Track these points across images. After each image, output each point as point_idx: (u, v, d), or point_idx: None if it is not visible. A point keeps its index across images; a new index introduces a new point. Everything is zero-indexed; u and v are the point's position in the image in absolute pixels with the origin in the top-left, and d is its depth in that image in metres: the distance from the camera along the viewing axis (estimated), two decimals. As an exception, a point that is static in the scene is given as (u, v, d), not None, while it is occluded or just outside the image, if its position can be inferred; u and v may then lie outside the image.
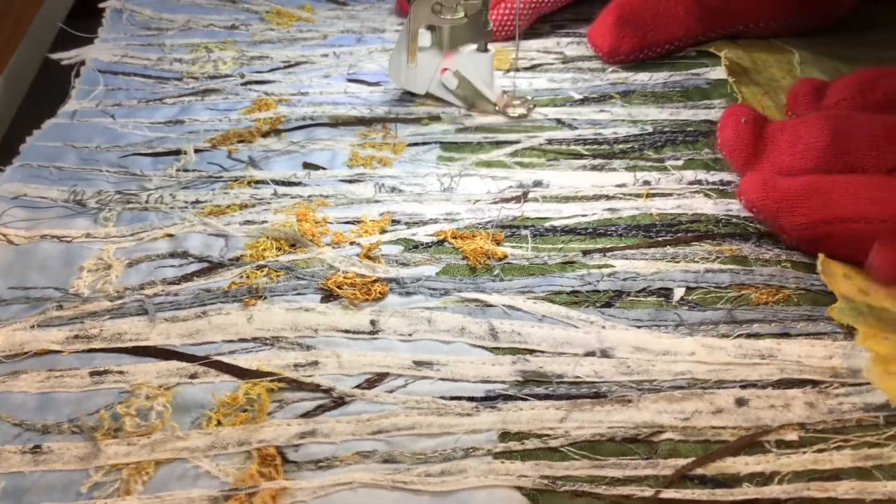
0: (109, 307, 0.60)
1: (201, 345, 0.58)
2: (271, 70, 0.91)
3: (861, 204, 0.63)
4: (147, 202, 0.70)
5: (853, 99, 0.75)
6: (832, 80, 0.79)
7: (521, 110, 0.83)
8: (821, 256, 0.64)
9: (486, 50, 0.82)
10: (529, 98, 0.85)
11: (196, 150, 0.77)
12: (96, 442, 0.51)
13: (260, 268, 0.64)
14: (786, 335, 0.59)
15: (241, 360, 0.57)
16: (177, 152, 0.77)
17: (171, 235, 0.67)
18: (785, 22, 0.90)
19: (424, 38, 0.81)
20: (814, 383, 0.55)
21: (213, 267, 0.64)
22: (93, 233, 0.67)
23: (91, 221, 0.69)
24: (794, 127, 0.71)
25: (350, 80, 0.89)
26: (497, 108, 0.83)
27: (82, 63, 0.91)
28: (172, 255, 0.65)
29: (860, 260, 0.63)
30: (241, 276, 0.63)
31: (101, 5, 1.01)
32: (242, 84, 0.88)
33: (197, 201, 0.71)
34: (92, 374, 0.56)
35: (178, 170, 0.74)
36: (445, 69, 0.82)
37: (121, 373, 0.56)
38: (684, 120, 0.82)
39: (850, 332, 0.59)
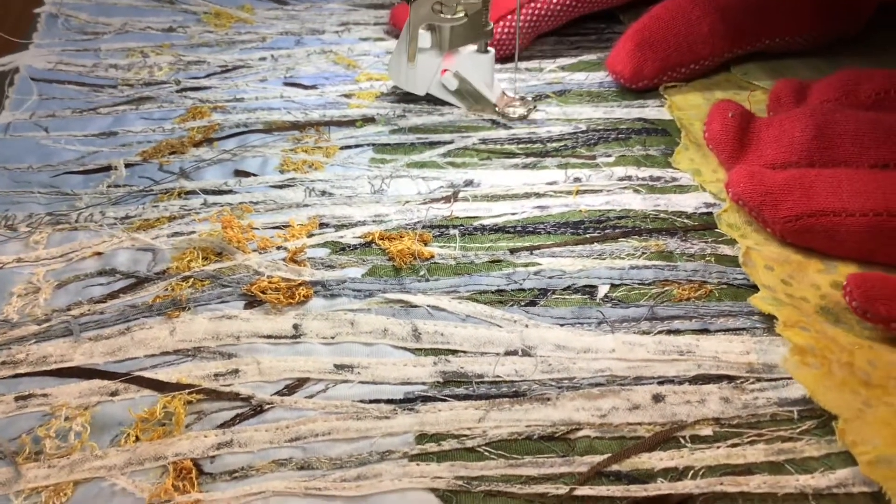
0: (36, 331, 0.60)
1: (124, 361, 0.58)
2: (208, 76, 0.91)
3: (843, 197, 0.64)
4: (77, 221, 0.70)
5: (837, 100, 0.76)
6: (814, 80, 0.80)
7: (522, 111, 0.83)
8: (742, 247, 0.64)
9: (486, 51, 0.82)
10: (530, 99, 0.85)
11: (127, 165, 0.76)
12: (17, 466, 0.51)
13: (185, 279, 0.64)
14: (705, 331, 0.59)
15: (162, 374, 0.57)
16: (108, 168, 0.76)
17: (99, 253, 0.67)
18: (808, 35, 0.90)
19: (424, 38, 0.81)
20: (730, 379, 0.56)
21: (139, 282, 0.64)
22: (24, 257, 0.67)
23: (22, 245, 0.68)
24: (780, 122, 0.72)
25: (287, 84, 0.89)
26: (497, 108, 0.83)
27: (16, 70, 0.90)
28: (101, 273, 0.65)
29: (841, 252, 0.64)
30: (167, 289, 0.63)
31: (36, 10, 1.00)
32: (178, 91, 0.87)
33: (126, 217, 0.70)
34: (17, 398, 0.55)
35: (108, 186, 0.74)
36: (445, 70, 0.82)
37: (45, 395, 0.55)
38: (618, 118, 0.82)
39: (768, 328, 0.59)
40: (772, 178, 0.66)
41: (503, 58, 0.89)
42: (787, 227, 0.64)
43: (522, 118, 0.82)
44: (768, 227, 0.65)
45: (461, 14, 0.78)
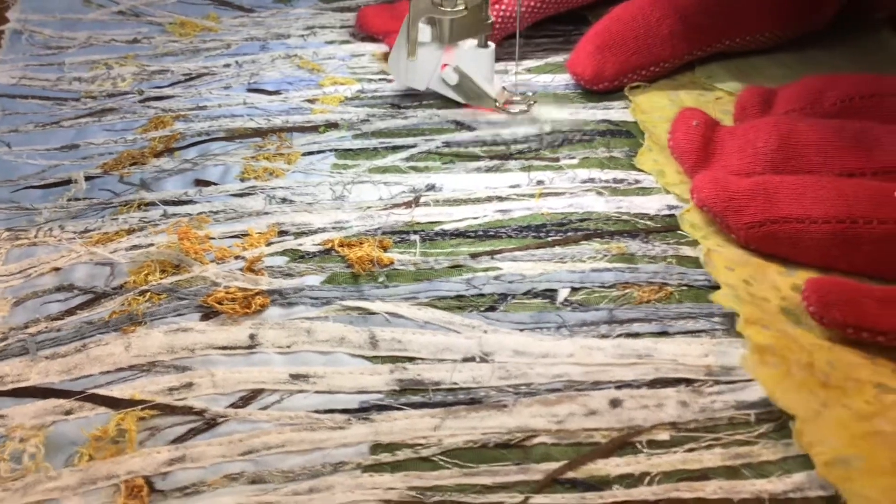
0: (-7, 350, 0.59)
1: (79, 379, 0.57)
2: (171, 84, 0.90)
3: (806, 204, 0.63)
4: (36, 236, 0.69)
5: (802, 109, 0.75)
6: (779, 87, 0.79)
7: (522, 106, 0.83)
8: (704, 248, 0.64)
9: (486, 46, 0.82)
10: (530, 94, 0.84)
11: (88, 177, 0.75)
12: (-29, 490, 0.50)
13: (143, 293, 0.63)
14: (664, 334, 0.59)
15: (116, 391, 0.56)
16: (68, 182, 0.75)
17: (58, 269, 0.66)
18: (770, 34, 0.89)
19: (424, 33, 0.81)
20: (688, 382, 0.56)
21: (97, 298, 0.63)
22: (-19, 275, 0.66)
23: (-20, 264, 0.67)
24: (744, 131, 0.72)
25: (250, 90, 0.88)
26: (497, 104, 0.82)
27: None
28: (59, 290, 0.64)
29: (805, 259, 0.64)
30: (124, 304, 0.62)
31: (0, 27, 0.99)
32: (141, 101, 0.87)
33: (86, 230, 0.69)
34: (-28, 421, 0.55)
35: (68, 199, 0.73)
36: (445, 65, 0.82)
37: (0, 417, 0.55)
38: (582, 120, 0.82)
39: (727, 329, 0.59)
40: (736, 184, 0.66)
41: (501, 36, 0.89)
42: (750, 233, 0.64)
43: (523, 113, 0.81)
44: (732, 233, 0.65)
45: (461, 7, 0.78)
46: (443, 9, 0.78)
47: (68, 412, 0.55)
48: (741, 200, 0.64)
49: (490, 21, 0.81)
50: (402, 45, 0.81)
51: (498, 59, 0.83)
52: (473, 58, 0.82)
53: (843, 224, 0.61)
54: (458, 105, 0.83)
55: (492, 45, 0.82)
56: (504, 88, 0.84)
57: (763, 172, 0.68)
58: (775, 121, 0.71)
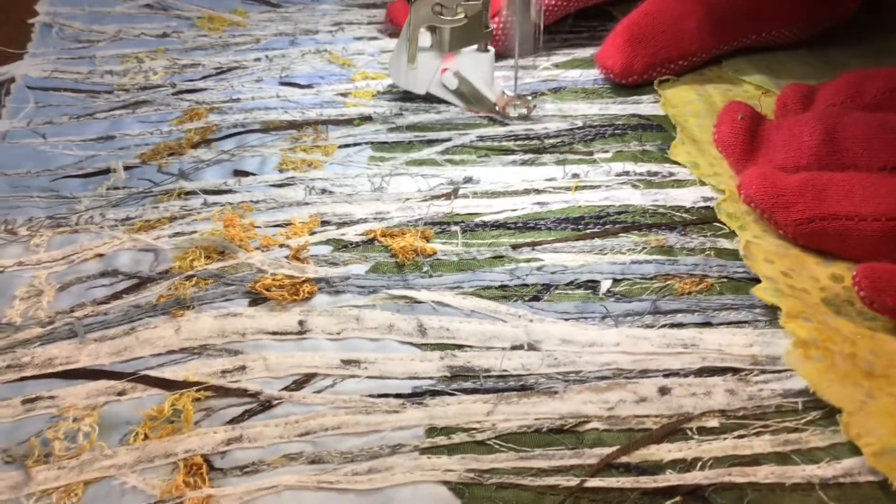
0: (41, 333, 0.60)
1: (130, 361, 0.58)
2: (203, 78, 0.91)
3: (855, 202, 0.64)
4: (77, 224, 0.70)
5: (843, 104, 0.76)
6: (819, 84, 0.80)
7: (522, 110, 0.83)
8: (742, 241, 0.65)
9: (486, 50, 0.83)
10: (530, 98, 0.85)
11: (126, 167, 0.76)
12: (27, 469, 0.51)
13: (189, 278, 0.63)
14: (708, 324, 0.60)
15: (169, 373, 0.57)
16: (107, 171, 0.76)
17: (101, 255, 0.66)
18: (795, 28, 0.91)
19: (424, 38, 0.82)
20: (734, 371, 0.56)
21: (142, 282, 0.64)
22: (25, 260, 0.66)
23: (23, 249, 0.68)
24: (789, 125, 0.72)
25: (282, 84, 0.89)
26: (497, 108, 0.83)
27: (12, 80, 0.90)
28: (103, 275, 0.65)
29: (853, 256, 0.64)
30: (170, 289, 0.63)
31: (31, 20, 1.00)
32: (174, 94, 0.87)
33: (127, 218, 0.70)
34: (24, 402, 0.55)
35: (108, 189, 0.74)
36: (445, 69, 0.82)
37: (51, 398, 0.55)
38: (613, 114, 0.83)
39: (770, 321, 0.60)
40: (784, 180, 0.66)
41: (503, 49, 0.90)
42: (798, 229, 0.64)
43: (522, 117, 0.82)
44: (780, 230, 0.66)
45: (461, 15, 0.78)
46: (443, 17, 0.79)
47: (121, 393, 0.55)
48: (789, 197, 0.65)
49: (489, 30, 0.82)
50: (402, 50, 0.82)
51: (526, 54, 0.84)
52: (473, 62, 0.83)
53: (893, 221, 0.62)
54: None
55: (491, 49, 0.83)
56: (504, 92, 0.85)
57: (808, 166, 0.69)
58: (820, 114, 0.72)
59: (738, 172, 0.71)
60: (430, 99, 0.85)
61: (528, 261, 0.65)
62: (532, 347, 0.58)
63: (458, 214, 0.70)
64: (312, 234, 0.68)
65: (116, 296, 0.63)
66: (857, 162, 0.68)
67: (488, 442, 0.52)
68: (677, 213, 0.70)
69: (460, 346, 0.58)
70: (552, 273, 0.64)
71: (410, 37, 0.80)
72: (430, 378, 0.56)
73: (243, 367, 0.57)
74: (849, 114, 0.71)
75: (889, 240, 0.62)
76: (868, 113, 0.72)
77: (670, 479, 0.50)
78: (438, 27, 0.81)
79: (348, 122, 0.82)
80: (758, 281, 0.62)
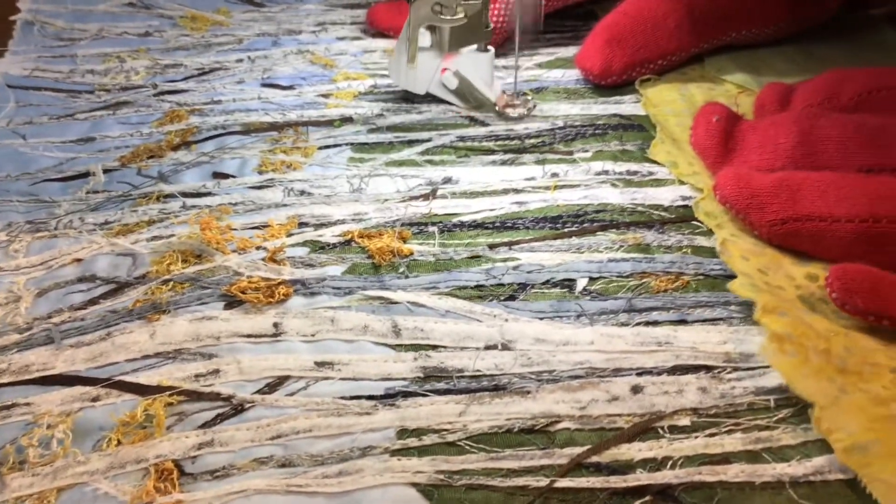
0: (18, 340, 0.60)
1: (105, 367, 0.58)
2: (185, 79, 0.91)
3: (829, 202, 0.64)
4: (56, 228, 0.70)
5: (820, 104, 0.76)
6: (797, 84, 0.80)
7: (521, 110, 0.83)
8: (719, 238, 0.65)
9: (485, 50, 0.83)
10: (530, 98, 0.85)
11: (105, 170, 0.76)
12: (2, 477, 0.51)
13: (165, 282, 0.63)
14: (682, 322, 0.60)
15: (143, 378, 0.57)
16: (86, 174, 0.76)
17: (79, 260, 0.66)
18: (775, 27, 0.91)
19: (424, 38, 0.82)
20: (707, 369, 0.56)
21: (120, 287, 0.64)
22: (3, 266, 0.66)
23: (2, 254, 0.68)
24: (765, 127, 0.72)
25: (264, 85, 0.89)
26: (497, 107, 0.83)
27: (-9, 78, 0.90)
28: (81, 280, 0.65)
29: (827, 256, 0.64)
30: (147, 293, 0.63)
31: (12, 17, 1.00)
32: (155, 95, 0.87)
33: (106, 222, 0.70)
34: (0, 409, 0.55)
35: (87, 192, 0.74)
36: (445, 69, 0.82)
37: (27, 405, 0.55)
38: (594, 114, 0.83)
39: (744, 318, 0.60)
40: (758, 180, 0.66)
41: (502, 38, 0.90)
42: (773, 230, 0.64)
43: (522, 117, 0.82)
44: (755, 230, 0.66)
45: (461, 15, 0.78)
46: (443, 17, 0.79)
47: (95, 399, 0.55)
48: (764, 198, 0.65)
49: (489, 28, 0.81)
50: (402, 50, 0.82)
51: (505, 54, 0.84)
52: (473, 62, 0.83)
53: (866, 223, 0.62)
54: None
55: (491, 49, 0.83)
56: (504, 92, 0.85)
57: (784, 167, 0.69)
58: (796, 116, 0.71)
59: (714, 174, 0.71)
60: (411, 99, 0.85)
61: (505, 260, 0.65)
62: (506, 347, 0.58)
63: (436, 215, 0.70)
64: (290, 235, 0.68)
65: (94, 301, 0.63)
66: (832, 164, 0.68)
67: (459, 443, 0.52)
68: (656, 212, 0.70)
69: (434, 347, 0.58)
70: (528, 272, 0.64)
71: (410, 36, 0.80)
72: (404, 379, 0.56)
73: (217, 371, 0.57)
74: (825, 115, 0.71)
75: (862, 241, 0.62)
76: (844, 115, 0.72)
77: (640, 478, 0.50)
78: (438, 27, 0.80)
79: (329, 123, 0.82)
80: (734, 278, 0.62)
